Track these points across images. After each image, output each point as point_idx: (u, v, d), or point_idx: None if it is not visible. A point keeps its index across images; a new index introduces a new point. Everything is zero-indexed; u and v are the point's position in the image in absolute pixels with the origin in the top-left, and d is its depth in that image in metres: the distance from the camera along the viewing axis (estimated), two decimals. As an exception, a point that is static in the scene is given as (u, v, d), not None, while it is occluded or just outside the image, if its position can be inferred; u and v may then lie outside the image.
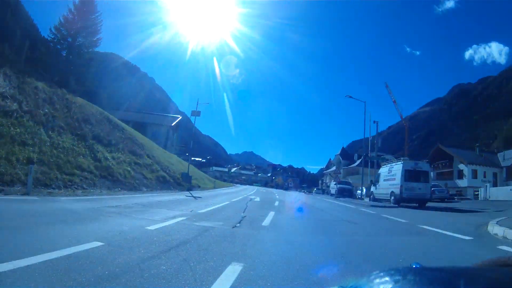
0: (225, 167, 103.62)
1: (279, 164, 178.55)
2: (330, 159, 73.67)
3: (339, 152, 53.02)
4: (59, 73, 31.34)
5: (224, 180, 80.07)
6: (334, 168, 56.27)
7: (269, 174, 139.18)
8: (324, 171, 68.26)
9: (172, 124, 59.71)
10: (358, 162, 47.17)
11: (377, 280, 0.45)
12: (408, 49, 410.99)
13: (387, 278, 0.44)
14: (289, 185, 72.82)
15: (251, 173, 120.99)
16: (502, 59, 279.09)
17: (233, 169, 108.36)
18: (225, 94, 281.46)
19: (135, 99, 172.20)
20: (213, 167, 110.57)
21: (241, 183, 74.78)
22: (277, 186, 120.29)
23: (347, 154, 53.95)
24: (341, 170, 50.13)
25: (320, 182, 69.92)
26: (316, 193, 45.64)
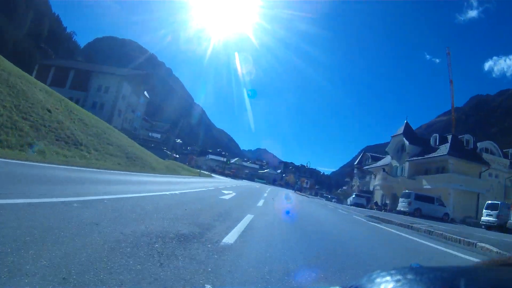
0: (224, 157, 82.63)
1: (291, 162, 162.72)
2: (363, 151, 51.34)
3: (401, 131, 29.84)
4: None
5: (213, 171, 59.09)
6: (387, 159, 33.31)
7: (279, 171, 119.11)
8: (361, 167, 45.57)
9: (126, 74, 38.95)
10: (448, 147, 24.43)
11: (378, 280, 0.43)
12: (428, 56, 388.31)
13: (387, 278, 0.43)
14: (303, 185, 50.09)
15: (256, 166, 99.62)
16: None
17: (233, 160, 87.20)
18: (244, 90, 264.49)
19: (152, 89, 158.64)
20: (209, 155, 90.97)
21: (234, 177, 53.40)
22: (287, 185, 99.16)
23: (416, 137, 30.70)
24: (406, 164, 27.31)
25: (353, 183, 47.74)
26: (356, 204, 23.65)
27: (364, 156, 48.12)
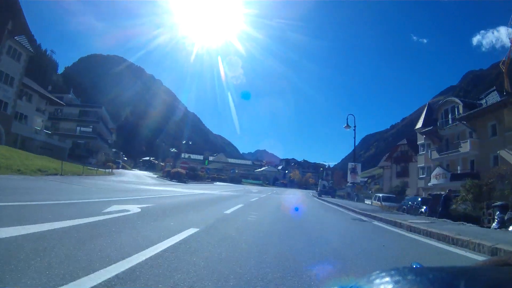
0: (201, 155, 59.39)
1: (292, 158, 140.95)
2: (427, 104, 28.45)
3: None
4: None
5: (169, 177, 35.15)
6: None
7: (279, 168, 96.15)
8: (437, 130, 22.24)
9: None
10: None
11: (378, 280, 0.43)
12: (414, 37, 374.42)
13: (387, 278, 0.42)
14: (355, 180, 24.15)
15: (249, 163, 75.95)
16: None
17: (212, 157, 63.27)
18: (229, 93, 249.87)
19: (140, 100, 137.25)
20: (184, 153, 68.76)
21: (188, 179, 29.38)
22: (292, 184, 75.66)
23: None
24: None
25: (419, 164, 24.67)
26: None
27: (440, 108, 24.50)
